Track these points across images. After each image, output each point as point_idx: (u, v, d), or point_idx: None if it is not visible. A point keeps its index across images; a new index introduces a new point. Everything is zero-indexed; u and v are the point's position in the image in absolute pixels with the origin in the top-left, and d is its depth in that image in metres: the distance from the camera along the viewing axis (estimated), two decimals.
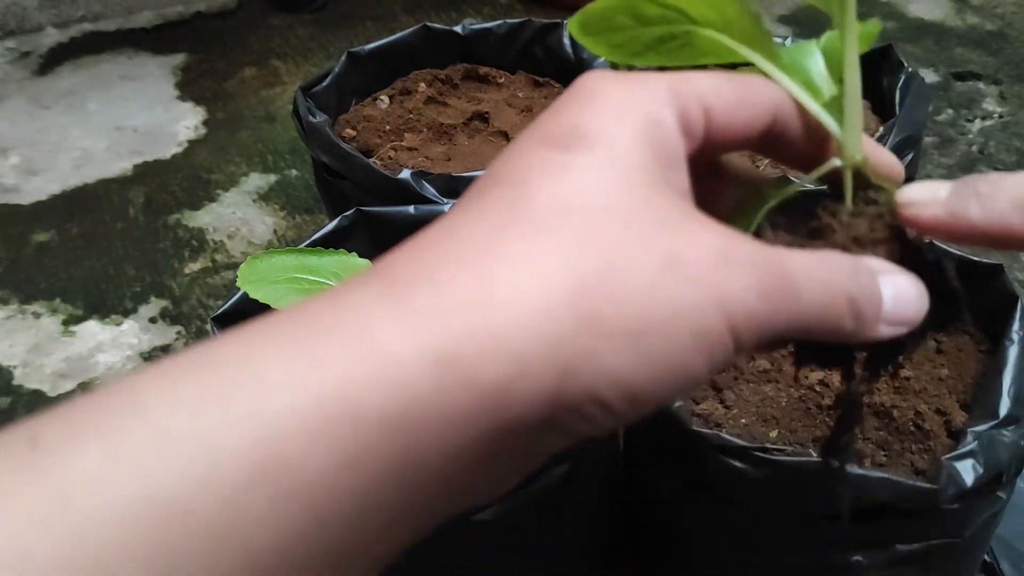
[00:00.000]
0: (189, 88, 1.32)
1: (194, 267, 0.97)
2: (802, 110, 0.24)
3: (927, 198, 0.23)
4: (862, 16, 0.26)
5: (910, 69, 0.70)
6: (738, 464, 0.41)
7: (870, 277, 0.21)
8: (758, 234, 0.25)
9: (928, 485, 0.39)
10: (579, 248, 0.17)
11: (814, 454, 0.40)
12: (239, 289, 0.44)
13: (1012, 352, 0.45)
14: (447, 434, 0.16)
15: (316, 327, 0.16)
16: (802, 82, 0.25)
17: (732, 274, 0.18)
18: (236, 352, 0.16)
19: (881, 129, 0.67)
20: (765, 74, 0.25)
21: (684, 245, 0.18)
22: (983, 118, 1.14)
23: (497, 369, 0.16)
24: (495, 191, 0.19)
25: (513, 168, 0.19)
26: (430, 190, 0.59)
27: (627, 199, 0.18)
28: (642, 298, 0.17)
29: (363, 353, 0.16)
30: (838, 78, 0.26)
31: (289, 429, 0.15)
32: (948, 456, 0.40)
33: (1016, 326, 0.46)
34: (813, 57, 0.28)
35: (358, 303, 0.17)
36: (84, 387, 0.82)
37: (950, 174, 1.04)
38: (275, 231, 1.02)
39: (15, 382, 0.83)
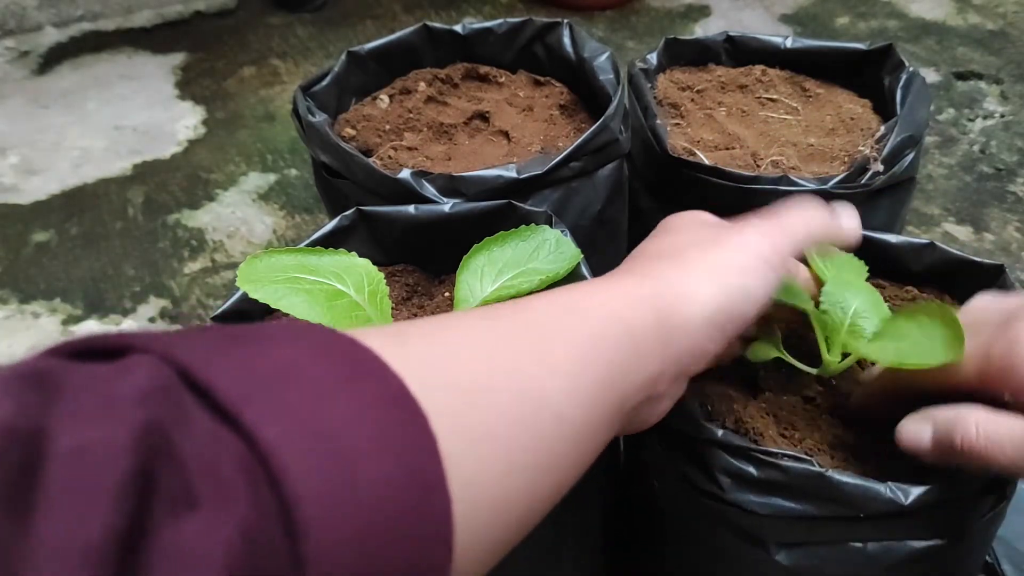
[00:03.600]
0: (188, 87, 1.32)
1: (193, 267, 0.97)
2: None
3: (914, 447, 0.38)
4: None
5: (911, 68, 0.70)
6: (740, 464, 0.41)
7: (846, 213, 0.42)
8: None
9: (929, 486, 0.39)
10: (724, 277, 0.34)
11: (816, 462, 0.40)
12: (238, 289, 0.44)
13: None
14: (650, 348, 0.32)
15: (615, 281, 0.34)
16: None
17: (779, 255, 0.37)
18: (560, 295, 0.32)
19: (882, 128, 0.67)
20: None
21: (761, 259, 0.36)
22: (984, 117, 1.14)
23: (683, 316, 0.33)
24: (692, 250, 0.36)
25: (652, 238, 0.39)
26: (430, 190, 0.59)
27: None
28: (745, 282, 0.35)
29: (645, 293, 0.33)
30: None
31: (602, 329, 0.31)
32: None
33: None
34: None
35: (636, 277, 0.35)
36: None
37: (951, 173, 1.04)
38: (275, 231, 1.02)
39: None
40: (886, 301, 0.53)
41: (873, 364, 0.46)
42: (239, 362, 0.21)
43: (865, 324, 0.44)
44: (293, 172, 1.11)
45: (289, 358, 0.22)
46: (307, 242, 0.53)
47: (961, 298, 0.52)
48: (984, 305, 0.41)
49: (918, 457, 0.38)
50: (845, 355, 0.44)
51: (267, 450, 0.19)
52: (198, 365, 0.20)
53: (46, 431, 0.18)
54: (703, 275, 0.34)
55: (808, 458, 0.40)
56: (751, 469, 0.41)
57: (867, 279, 0.54)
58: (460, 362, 0.26)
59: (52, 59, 1.42)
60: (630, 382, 0.31)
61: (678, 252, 0.36)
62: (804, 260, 0.47)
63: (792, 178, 0.61)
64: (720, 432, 0.41)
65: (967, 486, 0.40)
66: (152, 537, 0.17)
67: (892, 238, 0.52)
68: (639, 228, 0.43)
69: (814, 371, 0.46)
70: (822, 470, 0.39)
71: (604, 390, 0.30)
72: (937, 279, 0.52)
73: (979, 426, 0.36)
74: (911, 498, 0.39)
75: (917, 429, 0.38)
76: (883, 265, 0.53)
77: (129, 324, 0.90)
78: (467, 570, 0.24)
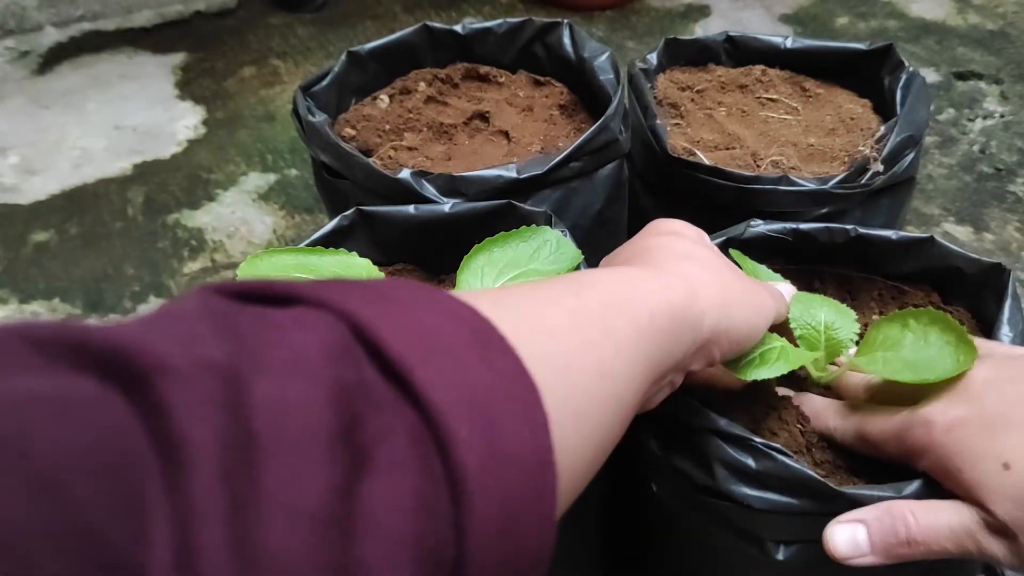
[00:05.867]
0: (188, 87, 1.32)
1: (193, 267, 0.97)
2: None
3: (853, 552, 0.38)
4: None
5: (911, 69, 0.70)
6: (738, 455, 0.41)
7: (784, 298, 0.45)
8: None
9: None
10: (716, 274, 0.37)
11: (807, 467, 0.40)
12: None
13: None
14: (682, 329, 0.33)
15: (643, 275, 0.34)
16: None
17: (776, 301, 0.42)
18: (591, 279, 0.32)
19: (882, 129, 0.67)
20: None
21: (757, 285, 0.41)
22: (984, 118, 1.14)
23: (700, 310, 0.34)
24: (728, 272, 0.38)
25: (657, 236, 0.40)
26: (430, 190, 0.59)
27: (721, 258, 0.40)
28: (745, 299, 0.38)
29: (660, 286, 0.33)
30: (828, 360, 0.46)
31: (653, 310, 0.31)
32: None
33: (1006, 328, 0.46)
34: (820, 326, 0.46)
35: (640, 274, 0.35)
36: None
37: (951, 173, 1.04)
38: (274, 231, 1.02)
39: None
40: (879, 298, 0.53)
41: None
42: (401, 322, 0.21)
43: (841, 335, 0.45)
44: (293, 172, 1.11)
45: (434, 323, 0.22)
46: (307, 242, 0.53)
47: (958, 298, 0.52)
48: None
49: (858, 564, 0.38)
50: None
51: (437, 416, 0.19)
52: (370, 322, 0.20)
53: (241, 377, 0.17)
54: (733, 297, 0.36)
55: (800, 462, 0.40)
56: (749, 461, 0.41)
57: (863, 276, 0.54)
58: (552, 338, 0.26)
59: (52, 59, 1.41)
60: (664, 366, 0.32)
61: (710, 265, 0.37)
62: None
63: (792, 178, 0.61)
64: (722, 421, 0.41)
65: None
66: (357, 497, 0.17)
67: (891, 234, 0.52)
68: (639, 228, 0.43)
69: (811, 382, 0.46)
70: (822, 477, 0.39)
71: (648, 371, 0.31)
72: (935, 276, 0.52)
73: (915, 515, 0.37)
74: (903, 494, 0.39)
75: (852, 533, 0.38)
76: (882, 261, 0.53)
77: None
78: None
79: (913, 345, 0.41)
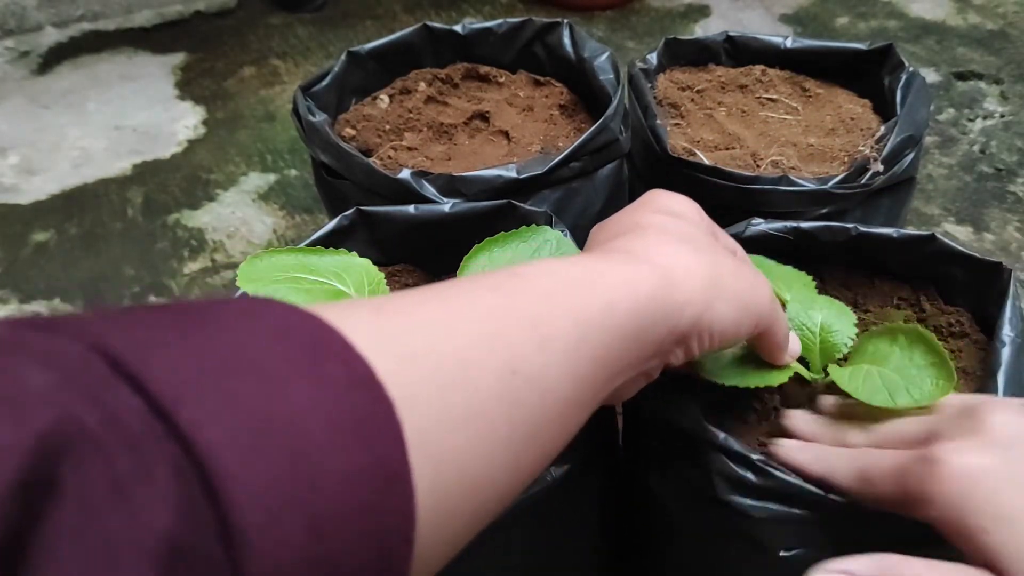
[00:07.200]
0: (188, 87, 1.32)
1: (193, 267, 0.97)
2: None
3: None
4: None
5: (911, 69, 0.70)
6: (739, 470, 0.41)
7: (792, 338, 0.42)
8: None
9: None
10: (708, 264, 0.34)
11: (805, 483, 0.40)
12: (239, 289, 0.44)
13: (1004, 354, 0.45)
14: (653, 322, 0.31)
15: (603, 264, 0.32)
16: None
17: (772, 295, 0.38)
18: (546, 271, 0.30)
19: (882, 129, 0.67)
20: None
21: (757, 280, 0.37)
22: (984, 118, 1.14)
23: (681, 301, 0.32)
24: (656, 220, 0.36)
25: (654, 214, 0.37)
26: (430, 190, 0.59)
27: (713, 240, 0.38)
28: (736, 293, 0.34)
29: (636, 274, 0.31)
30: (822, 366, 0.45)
31: (611, 302, 0.30)
32: None
33: (1007, 328, 0.46)
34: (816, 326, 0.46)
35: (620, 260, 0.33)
36: None
37: (951, 173, 1.04)
38: (274, 231, 1.02)
39: None
40: (880, 297, 0.53)
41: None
42: (181, 351, 0.19)
43: (837, 338, 0.45)
44: (293, 172, 1.11)
45: (240, 344, 0.20)
46: (307, 242, 0.53)
47: (958, 297, 0.52)
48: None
49: None
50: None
51: (203, 454, 0.18)
52: (132, 356, 0.18)
53: None
54: (723, 289, 0.34)
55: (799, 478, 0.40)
56: (748, 475, 0.40)
57: (864, 275, 0.54)
58: (443, 335, 0.25)
59: (52, 59, 1.41)
60: (627, 361, 0.31)
61: (706, 252, 0.35)
62: None
63: (792, 178, 0.61)
64: (722, 436, 0.41)
65: None
66: (44, 547, 0.16)
67: (893, 232, 0.52)
68: None
69: (807, 382, 0.46)
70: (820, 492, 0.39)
71: (600, 367, 0.29)
72: (937, 275, 0.52)
73: (915, 573, 0.32)
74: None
75: None
76: (883, 259, 0.53)
77: None
78: (438, 549, 0.23)
79: (899, 361, 0.41)
